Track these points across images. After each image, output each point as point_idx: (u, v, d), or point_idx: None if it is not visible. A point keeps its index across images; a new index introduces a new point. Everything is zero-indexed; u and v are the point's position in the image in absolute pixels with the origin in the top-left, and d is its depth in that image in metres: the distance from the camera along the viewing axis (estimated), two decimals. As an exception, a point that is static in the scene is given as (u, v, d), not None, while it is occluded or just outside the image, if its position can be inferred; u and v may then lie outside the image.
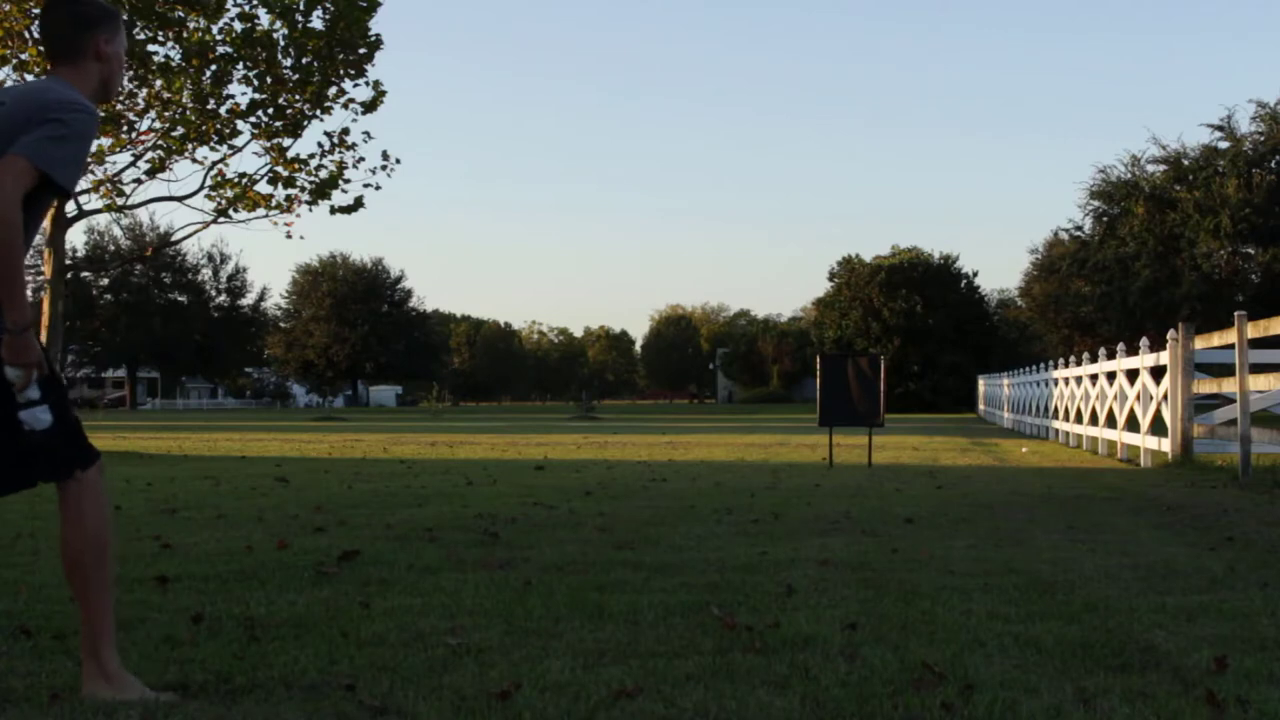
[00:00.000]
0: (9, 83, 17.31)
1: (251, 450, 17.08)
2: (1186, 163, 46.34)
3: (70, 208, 16.58)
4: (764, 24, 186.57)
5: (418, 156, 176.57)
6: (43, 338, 16.56)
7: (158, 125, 16.62)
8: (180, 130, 16.37)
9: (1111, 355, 16.37)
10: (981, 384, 40.67)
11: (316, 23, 16.40)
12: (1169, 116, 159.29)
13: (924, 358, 59.51)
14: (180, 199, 17.13)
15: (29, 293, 2.95)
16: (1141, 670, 3.36)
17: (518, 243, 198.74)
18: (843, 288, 63.48)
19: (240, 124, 16.78)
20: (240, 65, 16.37)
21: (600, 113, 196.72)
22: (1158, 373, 13.78)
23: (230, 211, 17.33)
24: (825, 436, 15.20)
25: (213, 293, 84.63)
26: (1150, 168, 47.69)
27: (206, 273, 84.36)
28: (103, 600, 3.06)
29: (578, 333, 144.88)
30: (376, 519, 7.21)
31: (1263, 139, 44.91)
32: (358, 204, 17.50)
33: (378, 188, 17.94)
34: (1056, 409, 20.84)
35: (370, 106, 17.17)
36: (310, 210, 17.53)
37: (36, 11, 15.67)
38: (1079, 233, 49.92)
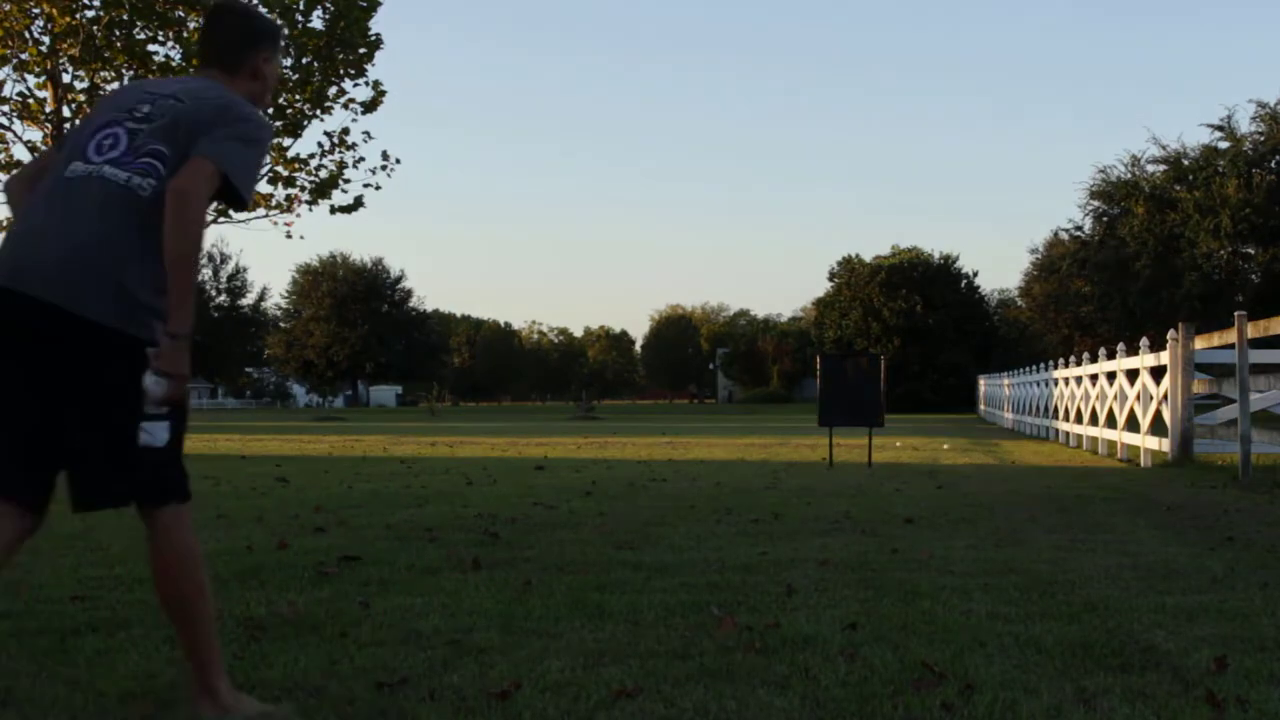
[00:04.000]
0: (9, 83, 17.31)
1: (251, 450, 17.08)
2: (1186, 163, 46.31)
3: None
4: (764, 25, 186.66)
5: (418, 156, 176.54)
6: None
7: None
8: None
9: (1111, 355, 16.37)
10: (982, 384, 40.62)
11: (316, 22, 16.42)
12: (1169, 116, 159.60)
13: (924, 358, 59.47)
14: (180, 199, 17.11)
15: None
16: (1141, 670, 3.36)
17: (518, 243, 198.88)
18: (843, 288, 63.46)
19: (240, 124, 16.78)
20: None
21: (601, 113, 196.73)
22: (1158, 373, 13.77)
23: (230, 211, 17.32)
24: (825, 436, 15.20)
25: (213, 293, 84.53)
26: (1150, 168, 47.72)
27: (206, 273, 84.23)
28: (208, 629, 2.89)
29: (578, 333, 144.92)
30: (377, 519, 7.20)
31: (1263, 139, 44.87)
32: (358, 204, 17.51)
33: (378, 188, 17.98)
34: (1057, 409, 20.83)
35: (370, 106, 17.18)
36: (310, 210, 17.55)
37: (37, 11, 15.65)
38: (1079, 233, 49.92)
